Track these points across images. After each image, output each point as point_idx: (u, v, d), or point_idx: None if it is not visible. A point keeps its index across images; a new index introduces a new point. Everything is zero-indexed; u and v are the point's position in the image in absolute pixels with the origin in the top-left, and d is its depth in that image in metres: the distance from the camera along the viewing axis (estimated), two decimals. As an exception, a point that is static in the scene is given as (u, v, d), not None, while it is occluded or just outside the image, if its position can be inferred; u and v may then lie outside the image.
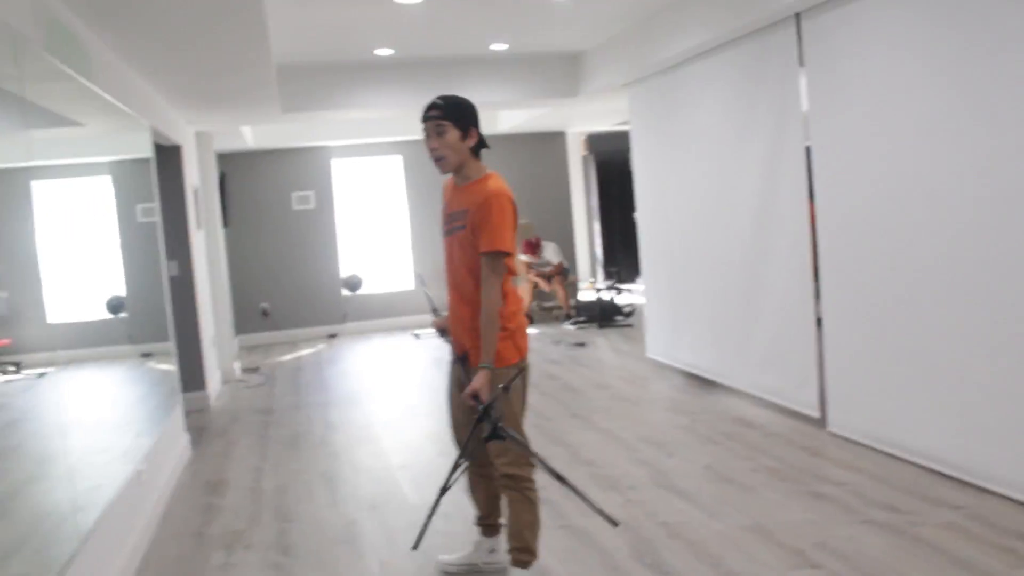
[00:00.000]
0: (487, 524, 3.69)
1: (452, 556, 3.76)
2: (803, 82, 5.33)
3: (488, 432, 3.13)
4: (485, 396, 3.13)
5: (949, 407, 4.36)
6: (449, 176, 3.42)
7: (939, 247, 4.33)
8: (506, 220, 3.18)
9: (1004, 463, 4.05)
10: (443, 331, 3.56)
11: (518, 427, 3.28)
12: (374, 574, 3.82)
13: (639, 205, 8.00)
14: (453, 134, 3.23)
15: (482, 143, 3.32)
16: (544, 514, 4.10)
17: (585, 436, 5.67)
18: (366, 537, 4.25)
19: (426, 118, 3.26)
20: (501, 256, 3.18)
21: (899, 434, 4.72)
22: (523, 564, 3.32)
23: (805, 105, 5.33)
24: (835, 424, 5.25)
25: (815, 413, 5.50)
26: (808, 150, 5.34)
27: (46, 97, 3.56)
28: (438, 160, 3.27)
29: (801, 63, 5.33)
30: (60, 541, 3.30)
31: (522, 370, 3.29)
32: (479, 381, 3.13)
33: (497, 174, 3.33)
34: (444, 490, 3.28)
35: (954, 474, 4.34)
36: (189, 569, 4.04)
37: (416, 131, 11.18)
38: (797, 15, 5.29)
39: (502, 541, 3.66)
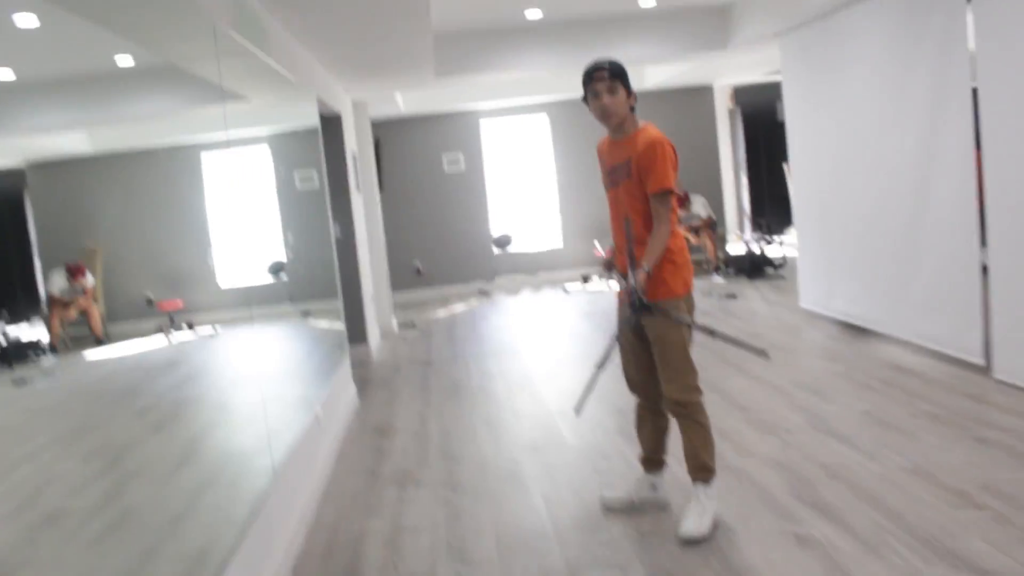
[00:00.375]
0: (650, 460, 3.86)
1: (614, 493, 3.93)
2: (970, 20, 5.16)
3: (636, 307, 3.43)
4: (641, 294, 3.42)
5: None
6: (603, 138, 3.73)
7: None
8: (669, 162, 3.46)
9: None
10: (610, 266, 3.82)
11: (688, 357, 3.54)
12: (538, 506, 4.03)
13: (792, 154, 7.89)
14: (622, 93, 3.53)
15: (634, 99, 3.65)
16: (677, 448, 4.22)
17: (739, 383, 5.72)
18: (530, 475, 4.46)
19: (597, 78, 3.52)
20: (668, 195, 3.47)
21: None
22: (704, 480, 3.58)
23: (972, 44, 5.16)
24: (1001, 371, 5.13)
25: (979, 360, 5.37)
26: (975, 92, 5.18)
27: (229, 73, 3.86)
28: (608, 116, 3.55)
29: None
30: (249, 476, 3.65)
31: (690, 302, 3.59)
32: (640, 280, 3.40)
33: (652, 124, 3.60)
34: (599, 367, 3.64)
35: None
36: (366, 502, 4.35)
37: (562, 90, 11.33)
38: (961, -51, 5.12)
39: (664, 478, 3.86)
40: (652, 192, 3.47)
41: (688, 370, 3.54)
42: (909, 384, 5.30)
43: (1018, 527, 3.30)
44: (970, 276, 5.40)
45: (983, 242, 5.26)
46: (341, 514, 4.24)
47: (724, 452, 4.36)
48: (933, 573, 3.03)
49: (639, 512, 3.83)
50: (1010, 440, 4.19)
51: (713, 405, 5.14)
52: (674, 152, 3.52)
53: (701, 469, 3.57)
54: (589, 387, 3.70)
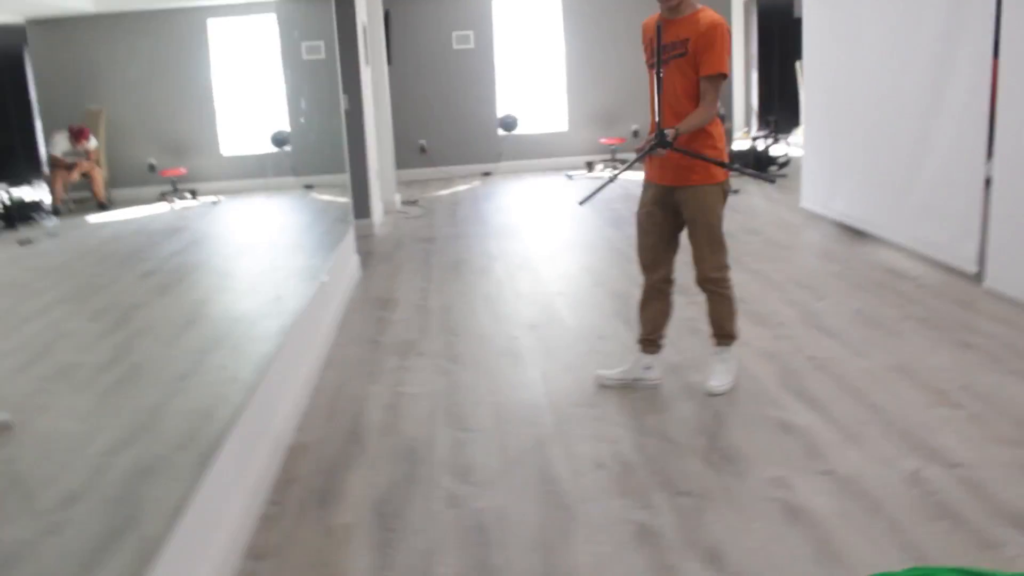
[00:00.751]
0: (648, 341, 4.01)
1: (610, 371, 4.10)
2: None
3: (661, 142, 3.52)
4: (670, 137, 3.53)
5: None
6: (651, 17, 3.79)
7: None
8: (726, 46, 3.59)
9: None
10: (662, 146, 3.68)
11: (723, 239, 3.82)
12: (535, 380, 4.19)
13: (806, 52, 7.82)
14: None
15: None
16: (695, 343, 4.37)
17: (737, 276, 5.72)
18: (527, 351, 4.62)
19: None
20: (721, 78, 3.59)
21: None
22: (726, 344, 3.97)
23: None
24: (992, 280, 5.24)
25: (972, 268, 5.47)
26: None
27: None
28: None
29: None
30: (253, 340, 3.77)
31: (726, 187, 3.78)
32: (670, 132, 3.52)
33: (706, 7, 3.69)
34: (613, 177, 3.94)
35: (1112, 332, 4.34)
36: (368, 369, 4.51)
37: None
38: None
39: (659, 359, 4.04)
40: (705, 74, 3.58)
41: (722, 249, 3.82)
42: (902, 287, 5.42)
43: (989, 425, 3.46)
44: (972, 186, 5.45)
45: (989, 154, 5.29)
46: (344, 379, 4.40)
47: (717, 341, 4.51)
48: (905, 463, 3.19)
49: (632, 390, 3.99)
50: (992, 346, 4.33)
51: (709, 296, 5.31)
52: (731, 37, 3.67)
53: (726, 336, 3.94)
54: (600, 188, 3.85)
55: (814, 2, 7.59)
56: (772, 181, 4.06)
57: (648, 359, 4.02)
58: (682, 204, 3.76)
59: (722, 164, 3.66)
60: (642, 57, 3.82)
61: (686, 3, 3.66)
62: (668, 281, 3.94)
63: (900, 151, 6.23)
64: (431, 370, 4.43)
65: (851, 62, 6.93)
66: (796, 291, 5.41)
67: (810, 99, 7.86)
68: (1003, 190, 5.15)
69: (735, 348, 4.00)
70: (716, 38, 3.55)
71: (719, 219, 3.78)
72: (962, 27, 5.42)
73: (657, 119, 3.59)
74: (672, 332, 4.14)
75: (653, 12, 3.78)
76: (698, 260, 3.82)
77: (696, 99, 3.63)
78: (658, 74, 3.57)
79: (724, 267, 3.86)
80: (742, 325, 4.73)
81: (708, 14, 3.62)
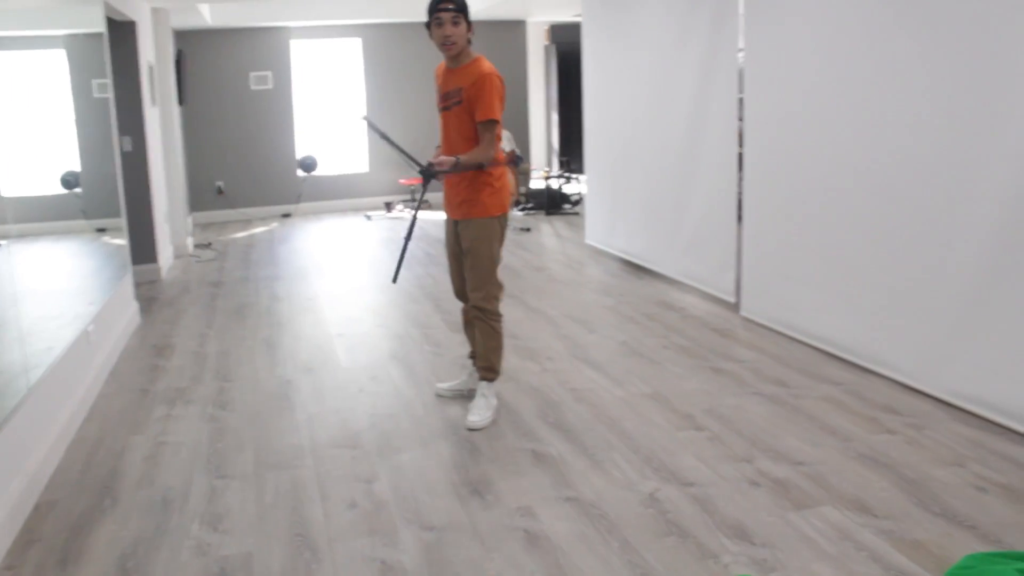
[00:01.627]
0: (475, 357, 4.31)
1: (445, 384, 4.54)
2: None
3: (422, 171, 3.91)
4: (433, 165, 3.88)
5: (845, 296, 4.72)
6: (440, 65, 4.10)
7: (851, 160, 4.61)
8: (496, 94, 3.87)
9: (884, 346, 4.44)
10: (428, 176, 3.96)
11: (493, 271, 4.05)
12: (300, 424, 4.17)
13: (586, 96, 8.20)
14: (463, 25, 3.88)
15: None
16: (446, 374, 4.46)
17: (515, 312, 6.01)
18: (298, 395, 4.59)
19: (444, 9, 3.83)
20: (494, 124, 3.87)
21: (801, 319, 5.10)
22: (489, 379, 4.17)
23: (741, 8, 5.52)
24: (747, 309, 5.63)
25: (731, 299, 5.87)
26: (741, 52, 5.56)
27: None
28: (450, 46, 3.88)
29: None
30: (12, 395, 3.59)
31: (502, 223, 4.08)
32: (446, 163, 3.84)
33: (484, 57, 3.98)
34: (407, 238, 4.07)
35: (843, 355, 4.74)
36: (132, 418, 4.37)
37: (377, 15, 11.20)
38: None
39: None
40: (479, 120, 3.87)
41: (491, 281, 4.04)
42: (668, 318, 5.74)
43: (726, 445, 3.71)
44: (728, 221, 5.86)
45: (739, 191, 5.71)
46: (104, 430, 4.24)
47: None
48: (645, 485, 3.38)
49: (454, 402, 4.38)
50: (741, 370, 4.65)
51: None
52: (502, 85, 3.91)
53: (488, 369, 4.15)
54: (401, 258, 4.07)
55: (592, 48, 7.97)
56: (421, 166, 3.99)
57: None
58: (461, 235, 4.06)
59: (377, 131, 3.95)
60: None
61: (464, 54, 3.95)
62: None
63: (667, 190, 6.62)
64: (198, 418, 4.33)
65: (624, 106, 7.32)
66: (569, 325, 5.63)
67: (590, 140, 8.22)
68: (751, 225, 5.56)
69: (498, 383, 4.17)
70: (485, 87, 3.83)
71: (491, 250, 4.03)
72: (713, 74, 5.84)
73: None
74: (445, 365, 4.23)
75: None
76: (470, 288, 4.09)
77: (474, 141, 3.94)
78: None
79: (492, 298, 4.07)
80: (513, 360, 4.90)
81: (481, 65, 3.90)
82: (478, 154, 3.89)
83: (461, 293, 4.27)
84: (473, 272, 4.05)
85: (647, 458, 3.62)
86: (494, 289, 4.07)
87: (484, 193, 3.99)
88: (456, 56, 3.94)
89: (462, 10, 3.87)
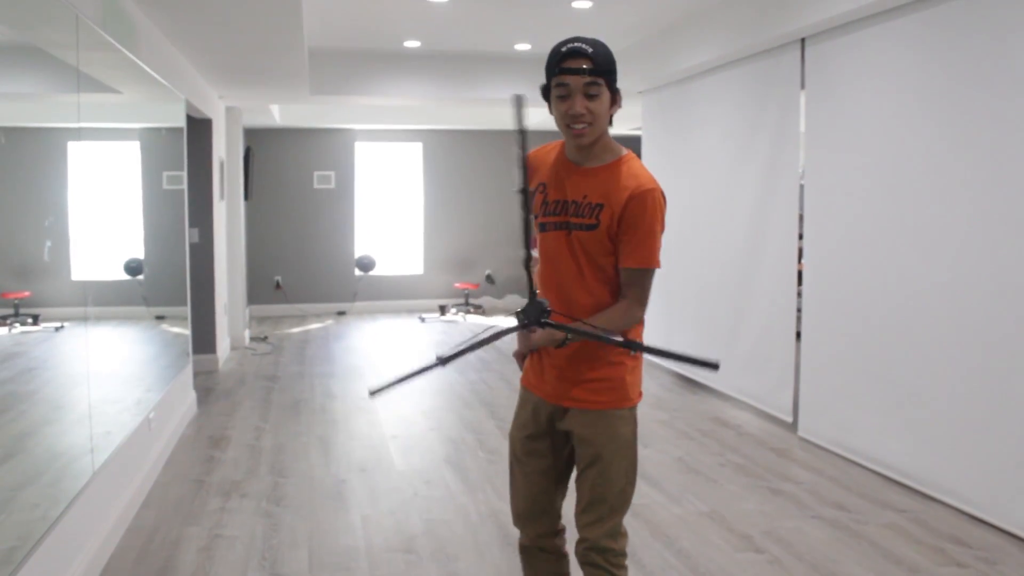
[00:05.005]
0: None
1: None
2: (803, 104, 5.62)
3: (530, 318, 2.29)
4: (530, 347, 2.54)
5: (907, 421, 4.65)
6: (546, 149, 2.61)
7: (912, 281, 4.62)
8: (660, 226, 2.43)
9: (949, 474, 4.35)
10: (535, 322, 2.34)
11: (630, 492, 2.53)
12: (356, 526, 4.15)
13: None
14: (605, 98, 2.38)
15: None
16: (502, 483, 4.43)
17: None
18: (353, 495, 4.58)
19: (573, 70, 2.34)
20: (652, 275, 2.44)
21: (861, 442, 5.02)
22: None
23: (802, 127, 5.62)
24: (804, 429, 5.55)
25: (788, 418, 5.80)
26: (802, 172, 5.64)
27: (92, 65, 3.89)
28: (581, 130, 2.39)
29: (802, 86, 5.62)
30: (73, 477, 3.64)
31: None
32: (542, 338, 2.41)
33: (634, 154, 2.52)
34: (478, 343, 2.49)
35: (905, 481, 4.64)
36: (188, 509, 4.39)
37: (438, 121, 11.53)
38: (802, 40, 5.57)
39: None
40: (631, 266, 2.41)
41: (625, 507, 2.52)
42: (724, 435, 5.67)
43: (787, 570, 3.63)
44: (786, 339, 5.84)
45: (799, 310, 5.70)
46: (161, 519, 4.26)
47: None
48: (706, 608, 3.30)
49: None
50: (800, 492, 4.57)
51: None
52: (666, 206, 2.47)
53: None
54: (404, 378, 2.61)
55: (649, 163, 8.12)
56: (715, 367, 2.16)
57: None
58: (578, 434, 2.51)
59: (651, 351, 2.27)
60: (510, 194, 2.52)
61: (602, 144, 2.46)
62: (552, 535, 2.68)
63: (724, 306, 6.63)
64: (253, 512, 4.34)
65: (683, 221, 7.40)
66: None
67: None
68: (810, 344, 5.53)
69: None
70: (647, 212, 2.38)
71: (634, 458, 2.53)
72: (773, 192, 5.91)
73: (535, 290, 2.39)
74: (500, 473, 4.18)
75: (511, 158, 2.47)
76: (585, 515, 2.51)
77: (605, 287, 2.47)
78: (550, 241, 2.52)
79: (619, 533, 2.52)
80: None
81: (635, 171, 2.43)
82: (616, 318, 2.41)
83: (528, 516, 2.65)
84: (598, 490, 2.47)
85: (706, 579, 3.55)
86: (622, 515, 2.52)
87: (623, 368, 2.49)
88: (589, 146, 2.44)
89: (604, 73, 2.35)
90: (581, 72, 2.32)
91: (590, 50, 2.34)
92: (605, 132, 2.44)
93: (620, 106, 2.43)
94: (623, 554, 2.51)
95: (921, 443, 4.55)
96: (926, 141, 4.51)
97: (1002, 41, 4.02)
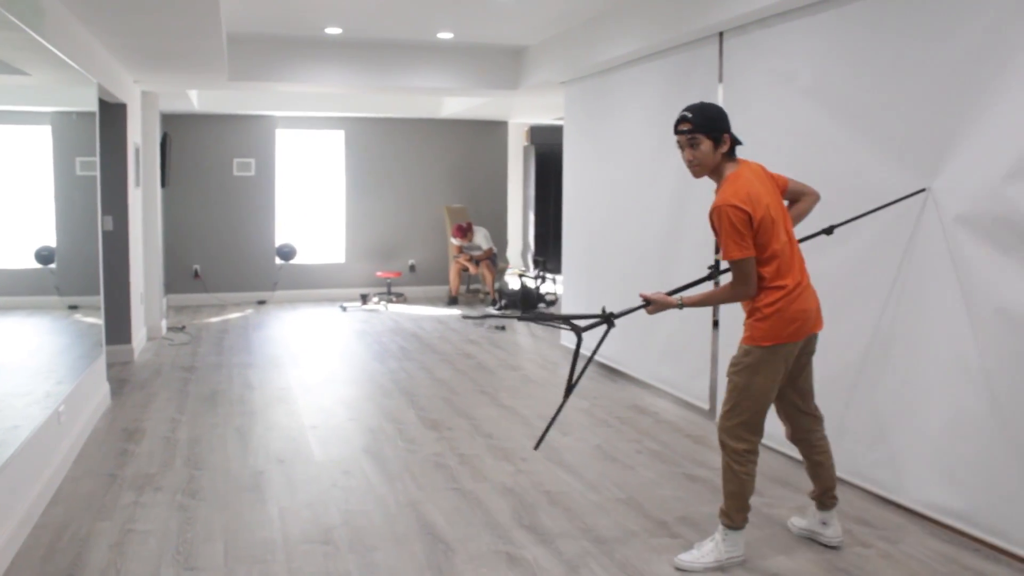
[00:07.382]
0: (815, 496, 3.84)
1: (800, 522, 3.95)
2: (721, 96, 5.71)
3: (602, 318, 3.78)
4: (651, 309, 3.68)
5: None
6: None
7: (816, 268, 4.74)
8: (729, 229, 3.35)
9: (856, 456, 4.48)
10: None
11: (742, 397, 3.54)
12: (273, 518, 4.11)
13: (566, 198, 8.36)
14: (706, 144, 3.43)
15: (735, 141, 3.50)
16: (439, 477, 4.44)
17: (489, 411, 6.02)
18: (270, 486, 4.54)
19: (678, 132, 3.47)
20: (736, 263, 3.39)
21: (773, 427, 5.12)
22: (724, 524, 3.62)
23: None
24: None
25: (705, 405, 5.91)
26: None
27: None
28: (694, 170, 3.51)
29: (720, 79, 5.71)
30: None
31: (778, 356, 3.51)
32: (658, 302, 3.65)
33: (739, 173, 3.45)
34: (567, 393, 3.82)
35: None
36: (99, 504, 4.29)
37: (361, 109, 11.44)
38: (720, 34, 5.66)
39: (835, 516, 3.83)
40: (724, 260, 3.47)
41: (739, 414, 3.55)
42: (642, 423, 5.76)
43: (701, 555, 3.70)
44: (703, 327, 5.94)
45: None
46: (70, 515, 4.15)
47: (462, 475, 4.62)
48: (620, 593, 3.36)
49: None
50: (715, 478, 4.66)
51: (461, 430, 5.45)
52: (740, 212, 3.33)
53: (722, 513, 3.63)
54: (552, 420, 3.86)
55: (571, 153, 8.18)
56: (609, 322, 3.83)
57: (822, 515, 3.83)
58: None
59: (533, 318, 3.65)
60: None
61: (718, 172, 3.52)
62: (804, 430, 3.81)
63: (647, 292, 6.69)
64: (167, 505, 4.26)
65: (603, 209, 7.48)
66: (542, 426, 5.63)
67: (568, 242, 8.35)
68: (727, 331, 5.63)
69: (733, 537, 3.61)
70: (720, 223, 3.38)
71: (748, 384, 3.52)
72: (691, 182, 5.99)
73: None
74: (419, 462, 4.17)
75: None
76: (721, 412, 3.68)
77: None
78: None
79: (737, 435, 3.55)
80: (488, 460, 4.88)
81: (723, 191, 3.42)
82: (715, 295, 3.61)
83: (787, 421, 3.86)
84: (727, 397, 3.63)
85: (622, 564, 3.60)
86: (740, 429, 3.55)
87: (754, 317, 3.52)
88: (709, 176, 3.52)
89: (699, 129, 3.41)
90: (682, 132, 3.47)
91: (690, 115, 3.46)
92: (719, 164, 3.47)
93: (728, 144, 3.46)
94: (736, 450, 3.56)
95: (830, 429, 4.68)
96: (830, 134, 4.62)
97: (912, 40, 4.15)
